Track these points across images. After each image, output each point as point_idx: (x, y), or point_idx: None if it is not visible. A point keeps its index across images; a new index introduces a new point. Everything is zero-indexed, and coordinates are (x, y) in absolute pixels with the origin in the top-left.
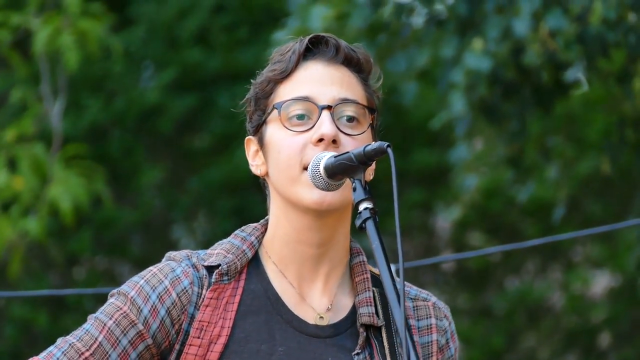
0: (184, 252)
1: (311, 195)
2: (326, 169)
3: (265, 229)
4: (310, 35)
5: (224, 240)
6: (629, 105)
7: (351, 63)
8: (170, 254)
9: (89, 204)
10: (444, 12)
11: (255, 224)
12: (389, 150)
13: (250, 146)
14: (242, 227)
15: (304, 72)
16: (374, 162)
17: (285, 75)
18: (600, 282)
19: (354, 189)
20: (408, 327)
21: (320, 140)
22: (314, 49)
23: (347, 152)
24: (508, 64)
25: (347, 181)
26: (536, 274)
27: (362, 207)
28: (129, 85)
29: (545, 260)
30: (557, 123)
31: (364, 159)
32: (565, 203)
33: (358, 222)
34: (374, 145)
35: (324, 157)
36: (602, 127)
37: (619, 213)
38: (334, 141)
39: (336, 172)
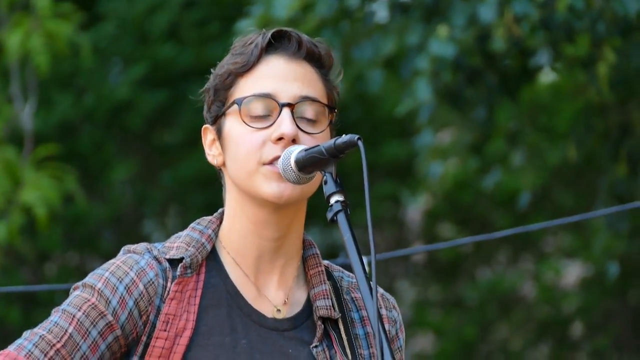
0: (143, 245)
1: (270, 188)
2: (297, 162)
3: (221, 222)
4: (273, 30)
5: (181, 234)
6: (594, 91)
7: (313, 58)
8: (129, 247)
9: (60, 203)
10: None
11: (210, 217)
12: (360, 142)
13: (208, 135)
14: (198, 220)
15: (266, 67)
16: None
17: (246, 69)
18: (572, 272)
19: (325, 182)
20: (381, 322)
21: (280, 139)
22: (276, 43)
23: (318, 146)
24: (473, 50)
25: (314, 177)
26: (507, 264)
27: (333, 200)
28: (99, 82)
29: (517, 250)
30: (524, 110)
31: (335, 152)
32: (533, 191)
33: (329, 215)
34: (345, 138)
35: (295, 150)
36: (570, 116)
37: (588, 202)
38: (294, 140)
39: (307, 165)
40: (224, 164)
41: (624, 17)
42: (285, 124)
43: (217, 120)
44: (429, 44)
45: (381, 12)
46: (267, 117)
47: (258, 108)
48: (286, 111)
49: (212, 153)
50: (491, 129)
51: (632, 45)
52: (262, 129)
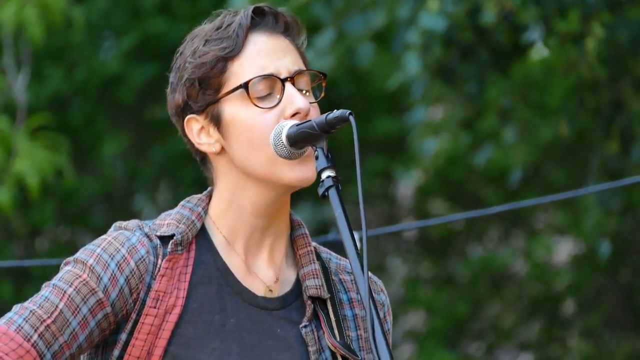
0: (134, 222)
1: (293, 173)
2: (288, 137)
3: (209, 201)
4: (252, 7)
5: (172, 211)
6: (586, 68)
7: (288, 30)
8: (120, 223)
9: (53, 175)
10: None
11: (199, 195)
12: (351, 118)
13: (193, 125)
14: (187, 198)
15: (254, 46)
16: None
17: (237, 51)
18: (564, 249)
19: (317, 157)
20: (372, 297)
21: (296, 113)
22: (256, 19)
23: (309, 121)
24: (464, 24)
25: (306, 152)
26: (499, 241)
27: (324, 175)
28: (90, 55)
29: (508, 227)
30: (515, 86)
31: (326, 127)
32: (524, 168)
33: (321, 190)
34: (336, 113)
35: (286, 125)
36: (561, 92)
37: (580, 178)
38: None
39: (298, 141)
40: (220, 151)
41: None
42: (297, 98)
43: (207, 108)
44: (420, 17)
45: None
46: (270, 96)
47: (262, 88)
48: (290, 86)
49: (206, 142)
50: (482, 105)
51: (621, 20)
52: (271, 108)
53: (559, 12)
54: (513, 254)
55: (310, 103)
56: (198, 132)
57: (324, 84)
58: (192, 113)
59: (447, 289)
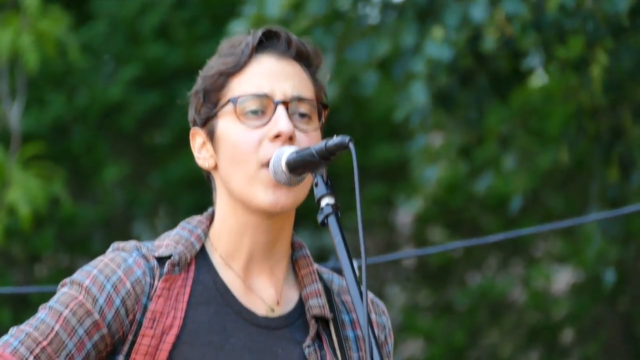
0: (132, 243)
1: (266, 196)
2: (288, 164)
3: (210, 222)
4: (263, 29)
5: (171, 232)
6: (586, 94)
7: (302, 57)
8: (119, 244)
9: (47, 204)
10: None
11: (199, 217)
12: (351, 145)
13: (197, 138)
14: (187, 219)
15: (258, 66)
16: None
17: (238, 68)
18: (563, 278)
19: (316, 184)
20: (371, 325)
21: (277, 136)
22: (266, 42)
23: (309, 148)
24: (465, 52)
25: (305, 179)
26: (498, 269)
27: (324, 202)
28: (91, 81)
29: (507, 255)
30: (515, 113)
31: (326, 154)
32: (524, 195)
33: (320, 218)
34: (336, 140)
35: (286, 152)
36: (561, 119)
37: (580, 206)
38: (290, 137)
39: (297, 167)
40: (215, 167)
41: (615, 16)
42: (282, 121)
43: (207, 122)
44: (425, 46)
45: (373, 13)
46: (261, 116)
47: (253, 106)
48: (281, 109)
49: (203, 156)
50: (482, 131)
51: (624, 47)
52: (258, 128)
53: (559, 38)
54: (512, 282)
55: (308, 131)
56: (200, 146)
57: (325, 113)
58: (197, 126)
59: (446, 317)
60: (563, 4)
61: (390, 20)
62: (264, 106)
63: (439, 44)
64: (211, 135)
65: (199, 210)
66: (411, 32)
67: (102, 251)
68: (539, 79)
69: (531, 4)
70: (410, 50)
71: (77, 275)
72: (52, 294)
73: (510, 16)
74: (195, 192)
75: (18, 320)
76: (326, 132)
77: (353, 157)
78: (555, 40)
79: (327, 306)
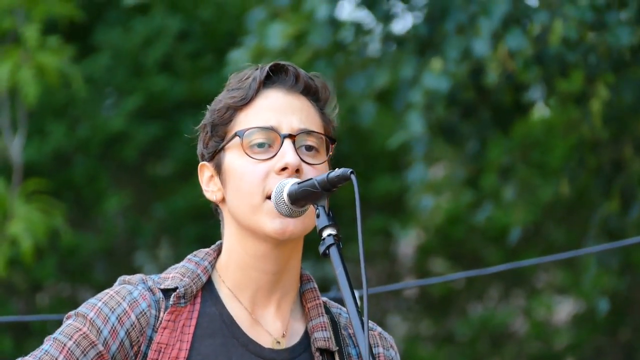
0: (138, 276)
1: (273, 224)
2: (290, 195)
3: (218, 254)
4: (271, 63)
5: (178, 265)
6: (587, 127)
7: (309, 92)
8: (125, 277)
9: (48, 236)
10: (402, 32)
11: (207, 249)
12: (353, 176)
13: (205, 172)
14: (195, 252)
15: (265, 100)
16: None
17: (245, 102)
18: (564, 309)
19: (318, 216)
20: (372, 355)
21: (284, 169)
22: (274, 76)
23: (311, 179)
24: (467, 84)
25: (309, 208)
26: (499, 300)
27: (325, 233)
28: (93, 112)
29: (508, 286)
30: (516, 146)
31: (328, 186)
32: (524, 227)
33: (322, 249)
34: (338, 172)
35: (288, 183)
36: (562, 152)
37: (580, 239)
38: (297, 170)
39: (299, 199)
40: (223, 200)
41: (617, 50)
42: (289, 154)
43: (215, 156)
44: (423, 77)
45: (374, 45)
46: (268, 150)
47: (259, 140)
48: (288, 142)
49: (211, 189)
50: (483, 164)
51: (624, 81)
52: (264, 160)
53: (560, 72)
54: (513, 312)
55: (315, 164)
56: (208, 180)
57: (332, 147)
58: (205, 160)
59: (447, 347)
60: (566, 37)
61: (391, 51)
62: (271, 139)
63: (436, 75)
64: (218, 169)
65: (202, 241)
66: (410, 65)
67: (104, 281)
68: (540, 111)
69: (533, 38)
70: (409, 81)
71: (82, 308)
72: (54, 322)
73: (513, 52)
74: (199, 224)
75: (19, 348)
76: (331, 163)
77: (355, 189)
78: (557, 73)
79: (333, 339)
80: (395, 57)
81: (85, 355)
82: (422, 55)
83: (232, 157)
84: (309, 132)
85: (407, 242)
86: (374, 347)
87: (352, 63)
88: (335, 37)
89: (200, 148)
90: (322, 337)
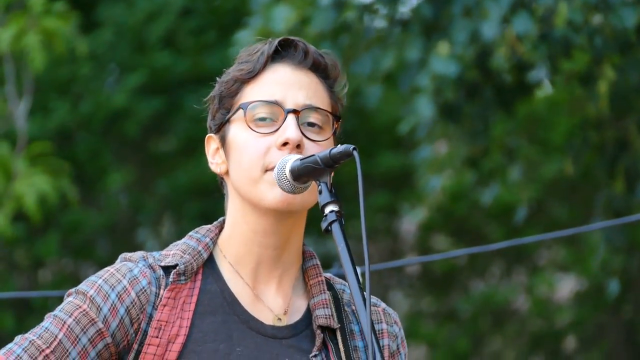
0: (139, 253)
1: (273, 194)
2: (292, 171)
3: (220, 230)
4: (280, 38)
5: (179, 242)
6: (591, 106)
7: (318, 69)
8: (126, 255)
9: (56, 203)
10: (407, 14)
11: (208, 226)
12: (355, 153)
13: (211, 144)
14: (196, 229)
15: (272, 75)
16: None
17: (252, 75)
18: (566, 286)
19: (320, 192)
20: (374, 331)
21: (285, 144)
22: (283, 51)
23: (313, 155)
24: (472, 66)
25: (310, 186)
26: (501, 277)
27: (328, 209)
28: (96, 89)
29: (510, 263)
30: (521, 125)
31: (330, 162)
32: (528, 205)
33: (324, 225)
34: (340, 148)
35: (290, 159)
36: (566, 129)
37: (584, 216)
38: (298, 146)
39: (302, 175)
40: (227, 172)
41: (623, 31)
42: (290, 129)
43: (221, 128)
44: (431, 61)
45: (379, 23)
46: (272, 124)
47: (263, 114)
48: (291, 117)
49: (216, 161)
50: (488, 143)
51: (630, 61)
52: (267, 135)
53: (565, 52)
54: (515, 289)
55: (317, 141)
56: (214, 152)
57: (336, 126)
58: (212, 132)
59: (449, 324)
60: (571, 19)
61: (396, 32)
62: (275, 114)
63: (444, 60)
64: (223, 141)
65: (205, 218)
66: (416, 47)
67: (107, 257)
68: (543, 89)
69: (538, 19)
70: (416, 64)
71: (83, 285)
72: (55, 299)
73: (521, 35)
74: (201, 200)
75: (21, 325)
76: (336, 141)
77: (357, 165)
78: (562, 54)
79: (335, 316)
80: (401, 39)
81: (85, 332)
82: (427, 38)
83: (236, 129)
84: (313, 109)
85: (410, 219)
86: (378, 323)
87: (356, 44)
88: (340, 19)
89: (209, 120)
90: (324, 315)
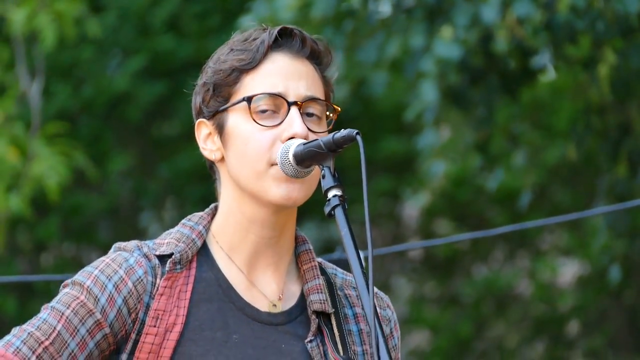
0: (133, 243)
1: (278, 190)
2: (295, 156)
3: (212, 218)
4: (278, 27)
5: (172, 230)
6: (594, 91)
7: (314, 56)
8: (120, 244)
9: (69, 181)
10: (411, 0)
11: (201, 213)
12: (358, 137)
13: (202, 129)
14: (189, 217)
15: (272, 65)
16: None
17: (252, 65)
18: (569, 271)
19: (323, 176)
20: (377, 315)
21: (291, 138)
22: (281, 40)
23: (316, 140)
24: (476, 51)
25: (313, 173)
26: (504, 262)
27: (331, 194)
28: (98, 73)
29: (513, 248)
30: (525, 110)
31: (333, 147)
32: (532, 190)
33: (327, 210)
34: (343, 132)
35: (293, 144)
36: (569, 115)
37: (586, 201)
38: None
39: (305, 159)
40: (222, 160)
41: (625, 17)
42: (296, 123)
43: (215, 115)
44: (434, 45)
45: (384, 8)
46: (273, 115)
47: (266, 106)
48: (295, 110)
49: (209, 148)
50: (492, 128)
51: (633, 46)
52: (271, 128)
53: (569, 38)
54: (518, 274)
55: (318, 132)
56: (205, 137)
57: (334, 118)
58: (204, 117)
59: (452, 309)
60: (574, 5)
61: (401, 19)
62: (277, 106)
63: (448, 44)
64: (220, 129)
65: (207, 202)
66: (420, 32)
67: (108, 241)
68: (547, 74)
69: (541, 5)
70: (420, 50)
71: (79, 276)
72: (57, 283)
73: (521, 19)
74: (203, 184)
75: (23, 308)
76: (333, 126)
77: (361, 150)
78: (565, 39)
79: (329, 301)
80: (405, 25)
81: (83, 323)
82: (431, 23)
83: (237, 120)
84: (314, 100)
85: (413, 204)
86: None
87: (360, 30)
88: (340, 6)
89: (197, 104)
90: (318, 300)
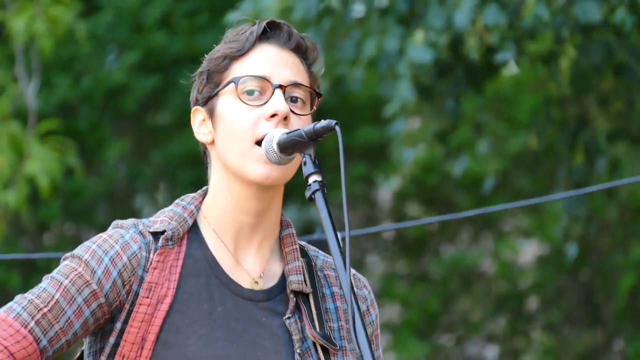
0: (130, 221)
1: (258, 169)
2: (279, 144)
3: (203, 198)
4: (267, 20)
5: (166, 209)
6: (554, 85)
7: (300, 50)
8: (118, 222)
9: (63, 174)
10: (385, 2)
11: (193, 194)
12: (337, 127)
13: (197, 116)
14: (182, 197)
15: (260, 53)
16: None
17: (241, 53)
18: (529, 251)
19: (304, 163)
20: (353, 291)
21: (274, 115)
22: (270, 32)
23: (298, 130)
24: (446, 49)
25: (295, 159)
26: (469, 242)
27: (311, 179)
28: (96, 67)
29: (478, 230)
30: (489, 102)
31: (314, 136)
32: (495, 176)
33: (308, 194)
34: (323, 123)
35: (277, 133)
36: (531, 107)
37: (546, 187)
38: (285, 118)
39: (288, 147)
40: (212, 142)
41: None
42: (279, 102)
43: (208, 101)
44: (408, 50)
45: (358, 7)
46: (259, 97)
47: (252, 87)
48: (278, 92)
49: (202, 132)
50: (458, 119)
51: (592, 42)
52: (256, 107)
53: (529, 35)
54: (482, 254)
55: (301, 115)
56: (200, 123)
57: (317, 101)
58: (198, 105)
59: (421, 285)
60: (538, 15)
61: (374, 20)
62: (263, 88)
63: (420, 48)
64: (211, 113)
65: (197, 185)
66: (394, 36)
67: (106, 222)
68: (509, 69)
69: (508, 12)
70: (394, 53)
71: (78, 250)
72: (59, 260)
73: (490, 27)
74: (193, 169)
75: (27, 283)
76: (313, 117)
77: (339, 139)
78: (526, 36)
79: (308, 282)
80: (379, 27)
81: (80, 293)
82: (406, 25)
83: (226, 102)
84: (297, 85)
85: (386, 189)
86: None
87: (338, 28)
88: (322, 4)
89: (194, 94)
90: (297, 280)
